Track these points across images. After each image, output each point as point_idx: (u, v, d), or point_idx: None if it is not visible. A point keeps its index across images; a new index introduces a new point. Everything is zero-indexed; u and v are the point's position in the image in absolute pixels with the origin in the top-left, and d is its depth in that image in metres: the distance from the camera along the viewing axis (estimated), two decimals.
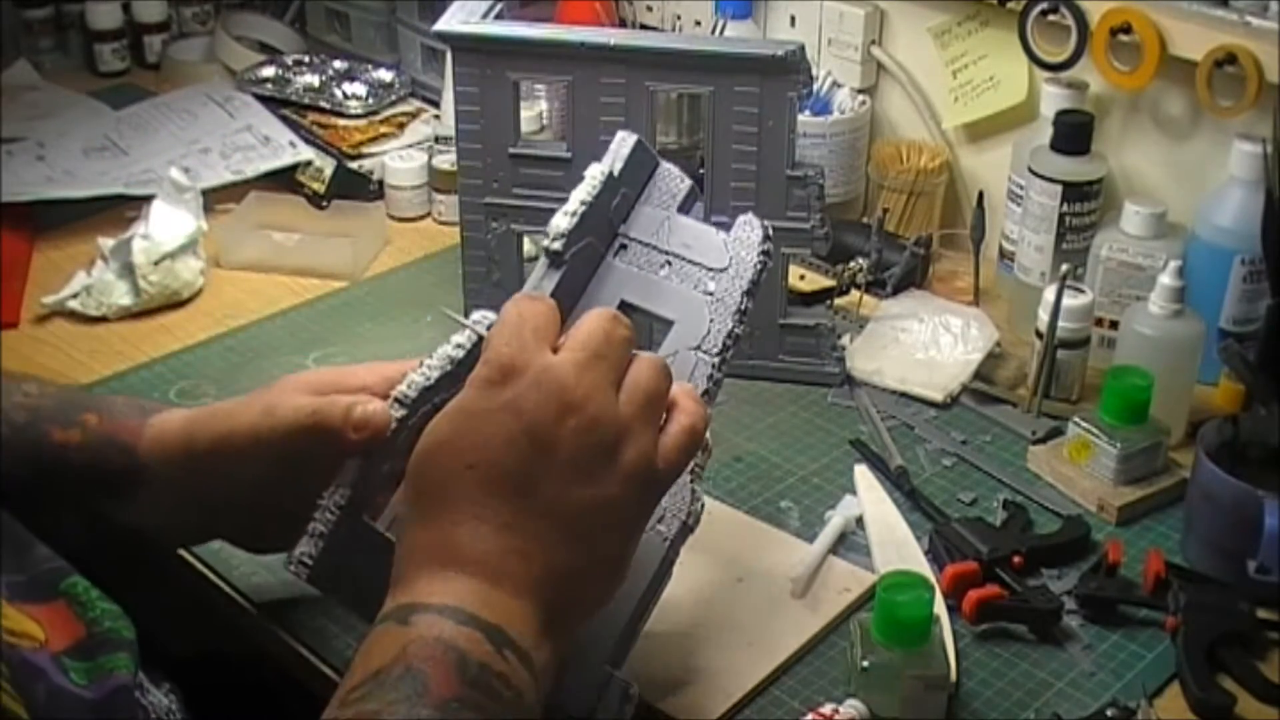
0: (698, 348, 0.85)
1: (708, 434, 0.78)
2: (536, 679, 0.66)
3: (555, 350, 0.71)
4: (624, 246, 0.88)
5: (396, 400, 0.81)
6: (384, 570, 0.76)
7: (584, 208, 0.85)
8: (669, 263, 0.87)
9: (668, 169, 0.91)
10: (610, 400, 0.69)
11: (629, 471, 0.69)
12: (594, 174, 0.87)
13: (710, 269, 0.87)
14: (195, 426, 0.85)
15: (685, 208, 0.91)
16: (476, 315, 0.81)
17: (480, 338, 0.80)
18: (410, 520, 0.70)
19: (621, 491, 0.69)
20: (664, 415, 0.73)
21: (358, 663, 0.65)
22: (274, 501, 0.84)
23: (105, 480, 0.85)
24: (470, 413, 0.69)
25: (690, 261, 0.87)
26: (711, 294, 0.86)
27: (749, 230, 0.87)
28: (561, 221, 0.85)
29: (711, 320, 0.85)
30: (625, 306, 0.86)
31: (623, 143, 0.90)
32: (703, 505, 0.82)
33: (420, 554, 0.68)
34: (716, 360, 0.84)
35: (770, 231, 0.88)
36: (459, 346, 0.81)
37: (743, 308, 0.85)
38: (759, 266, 0.86)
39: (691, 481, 0.81)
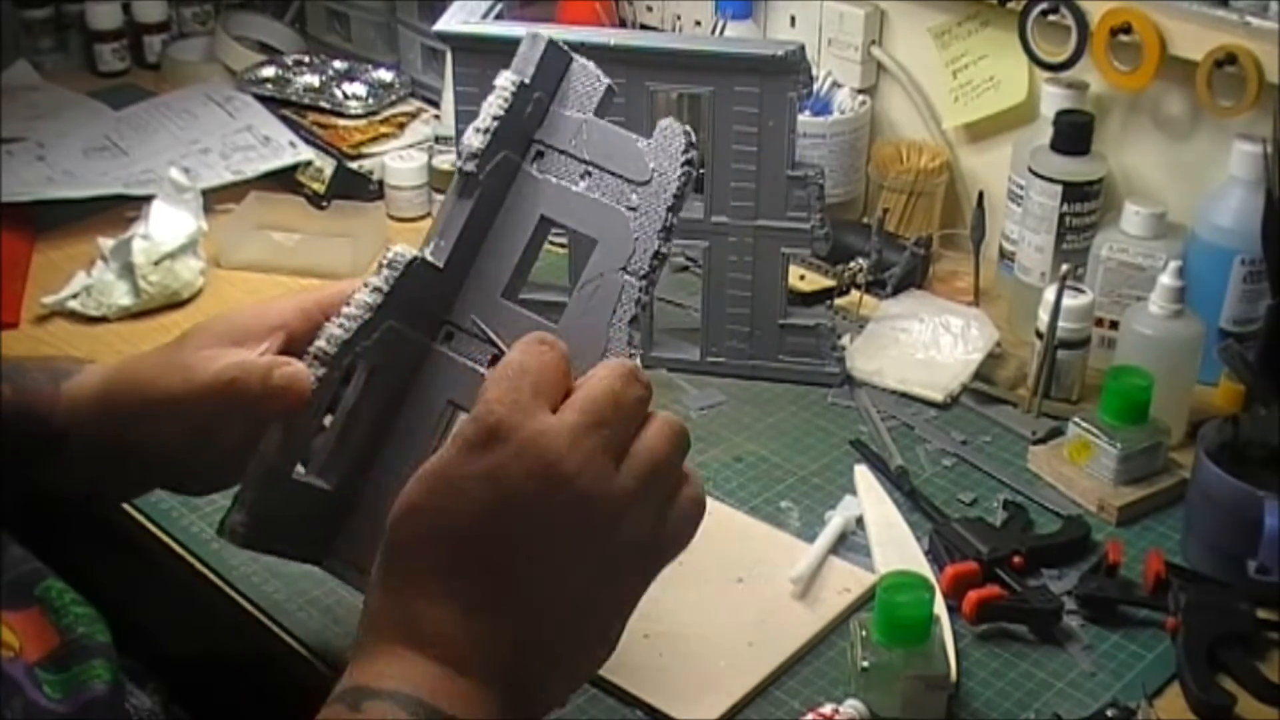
0: (624, 269, 0.79)
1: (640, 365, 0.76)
2: None
3: (555, 409, 0.65)
4: (540, 154, 0.82)
5: (315, 358, 0.77)
6: (319, 516, 0.77)
7: (496, 124, 0.80)
8: (589, 173, 0.81)
9: (582, 65, 0.84)
10: (607, 473, 0.63)
11: (625, 552, 0.64)
12: (504, 84, 0.81)
13: (632, 181, 0.80)
14: (112, 390, 0.82)
15: (602, 110, 0.83)
16: (397, 249, 0.77)
17: (400, 275, 0.76)
18: (376, 585, 0.66)
19: (612, 576, 0.64)
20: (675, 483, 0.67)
21: None
22: (203, 457, 0.81)
23: (25, 449, 0.82)
24: (447, 477, 0.64)
25: (611, 173, 0.81)
26: (635, 209, 0.80)
27: (670, 138, 0.80)
28: (474, 140, 0.79)
29: (636, 239, 0.79)
30: (545, 222, 0.82)
31: (533, 45, 0.82)
32: None
33: (381, 628, 0.64)
34: (643, 284, 0.79)
35: (694, 139, 0.80)
36: (375, 291, 0.76)
37: (668, 224, 0.79)
38: (683, 179, 0.80)
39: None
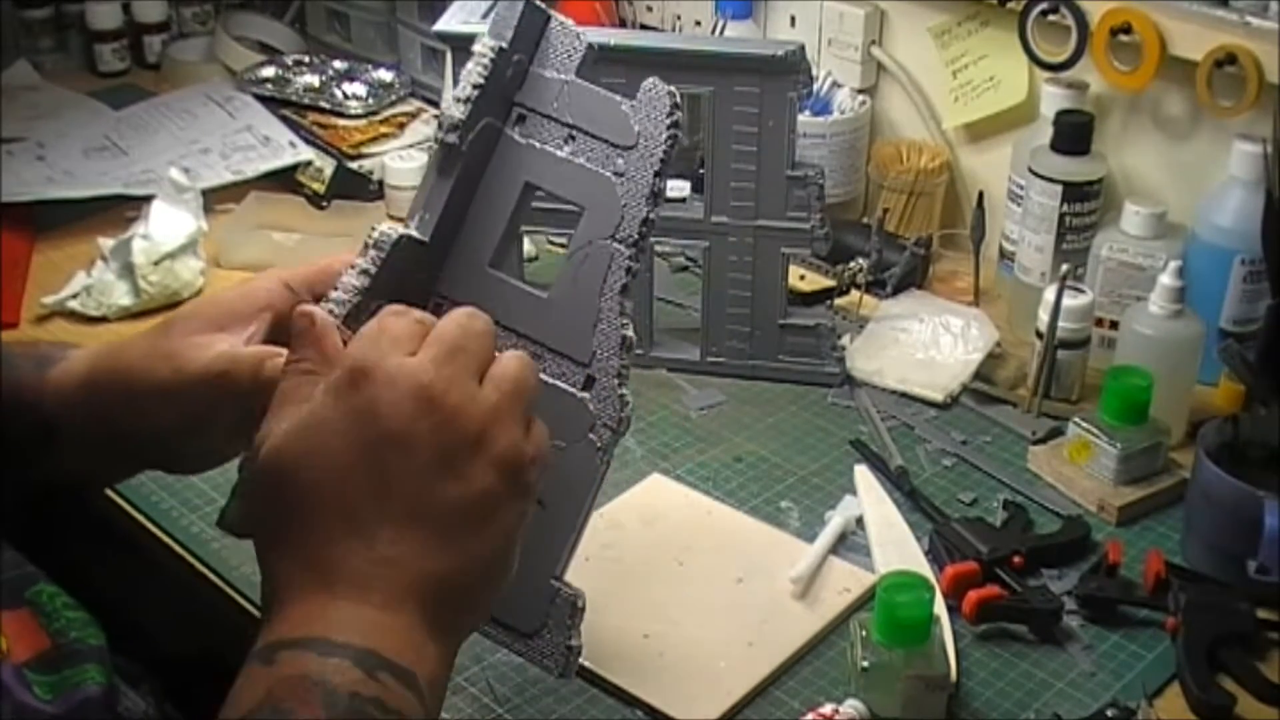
0: (612, 237, 0.78)
1: (633, 334, 0.78)
2: (421, 692, 0.63)
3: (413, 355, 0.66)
4: (522, 118, 0.81)
5: None
6: None
7: (477, 93, 0.78)
8: (572, 137, 0.80)
9: (561, 24, 0.82)
10: (471, 390, 0.66)
11: (501, 461, 0.65)
12: (483, 51, 0.79)
13: (617, 146, 0.79)
14: (98, 378, 0.81)
15: (584, 70, 0.81)
16: (382, 228, 0.76)
17: (387, 255, 0.75)
18: (268, 547, 0.65)
19: (496, 482, 0.65)
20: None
21: (226, 708, 0.61)
22: (194, 442, 0.81)
23: (15, 440, 0.82)
24: (321, 423, 0.64)
25: (595, 136, 0.79)
26: (621, 175, 0.79)
27: (655, 99, 0.78)
28: (455, 111, 0.78)
29: (624, 205, 0.78)
30: (530, 189, 0.81)
31: (510, 7, 0.80)
32: (631, 409, 0.79)
33: (284, 583, 0.64)
34: (633, 251, 0.78)
35: (679, 99, 0.78)
36: (363, 274, 0.75)
37: (655, 190, 0.78)
38: (669, 142, 0.78)
39: (619, 386, 0.78)
